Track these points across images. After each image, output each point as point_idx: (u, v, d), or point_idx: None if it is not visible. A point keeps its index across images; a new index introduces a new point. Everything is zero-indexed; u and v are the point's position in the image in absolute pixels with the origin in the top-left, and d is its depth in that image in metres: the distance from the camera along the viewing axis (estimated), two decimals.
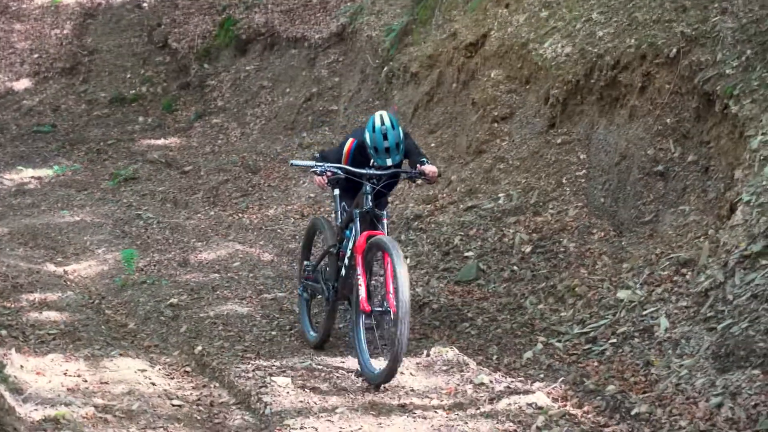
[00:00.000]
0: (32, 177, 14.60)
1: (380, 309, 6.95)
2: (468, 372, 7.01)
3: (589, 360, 7.22)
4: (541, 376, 7.12)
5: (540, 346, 7.62)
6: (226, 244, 10.97)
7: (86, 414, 6.05)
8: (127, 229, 11.75)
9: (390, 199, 8.73)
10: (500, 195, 9.80)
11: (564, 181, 9.53)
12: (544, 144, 10.11)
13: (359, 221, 7.25)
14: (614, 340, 7.29)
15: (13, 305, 8.38)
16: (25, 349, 7.22)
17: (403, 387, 6.77)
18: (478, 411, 6.36)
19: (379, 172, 7.27)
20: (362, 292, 7.02)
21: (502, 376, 7.03)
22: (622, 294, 7.68)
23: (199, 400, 6.77)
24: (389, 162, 7.24)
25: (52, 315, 8.19)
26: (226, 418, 6.46)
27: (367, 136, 7.24)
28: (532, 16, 11.40)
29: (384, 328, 7.00)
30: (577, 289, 8.08)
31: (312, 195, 12.26)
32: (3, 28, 19.30)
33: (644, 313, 7.33)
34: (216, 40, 17.95)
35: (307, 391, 6.75)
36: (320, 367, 7.26)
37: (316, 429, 6.11)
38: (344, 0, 16.65)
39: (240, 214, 12.44)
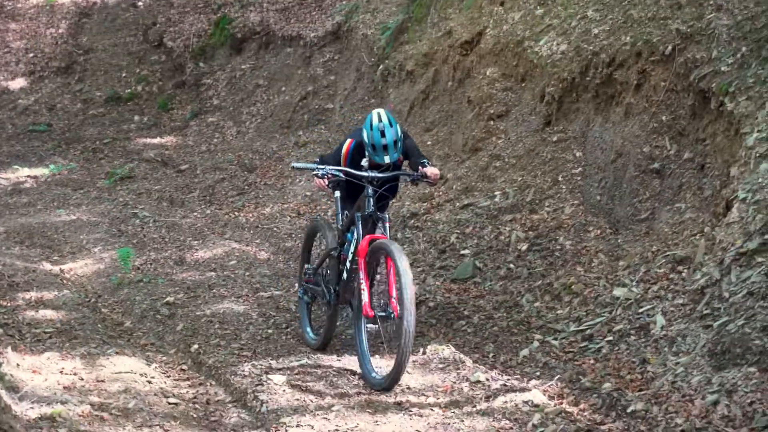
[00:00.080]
0: (28, 176, 14.58)
1: (383, 314, 6.85)
2: (464, 370, 7.00)
3: (586, 358, 7.21)
4: (538, 373, 7.12)
5: (536, 343, 7.62)
6: (223, 242, 10.97)
7: (82, 412, 6.05)
8: (123, 227, 11.74)
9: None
10: (496, 193, 9.80)
11: (560, 178, 9.53)
12: (540, 142, 10.11)
13: (361, 224, 7.15)
14: (610, 338, 7.29)
15: (9, 304, 8.38)
16: (21, 347, 7.21)
17: (399, 385, 6.74)
18: (475, 409, 6.35)
19: (380, 175, 7.15)
20: (365, 297, 6.91)
21: (499, 373, 7.03)
22: (618, 292, 7.68)
23: (195, 398, 6.76)
24: (387, 160, 7.10)
25: (49, 313, 8.19)
26: (222, 416, 6.45)
27: (365, 133, 7.14)
28: (528, 13, 11.39)
29: (387, 332, 6.95)
30: (573, 286, 8.08)
31: (308, 193, 12.25)
32: None
33: (640, 310, 7.32)
34: (211, 38, 17.92)
35: (304, 389, 6.74)
36: (316, 365, 7.26)
37: (312, 427, 6.11)
38: None
39: (236, 213, 12.43)
